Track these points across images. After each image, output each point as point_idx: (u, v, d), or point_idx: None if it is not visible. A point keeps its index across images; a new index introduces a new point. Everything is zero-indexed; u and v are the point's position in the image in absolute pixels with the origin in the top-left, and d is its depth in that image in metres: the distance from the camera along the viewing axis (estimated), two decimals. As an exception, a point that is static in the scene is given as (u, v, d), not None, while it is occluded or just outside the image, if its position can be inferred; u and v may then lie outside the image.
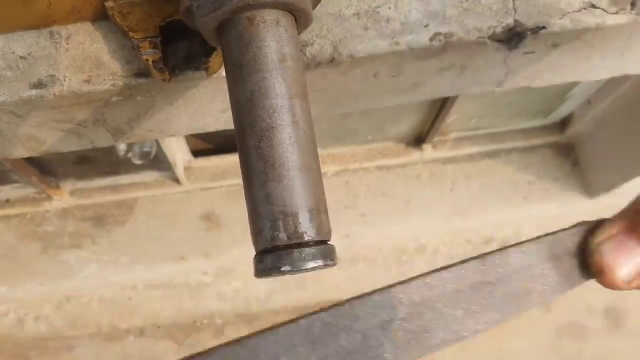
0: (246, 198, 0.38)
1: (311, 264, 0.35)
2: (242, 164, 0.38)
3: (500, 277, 0.33)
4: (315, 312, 0.32)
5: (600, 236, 0.37)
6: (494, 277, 0.33)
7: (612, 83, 1.40)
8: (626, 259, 0.36)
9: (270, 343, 0.30)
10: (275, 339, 0.30)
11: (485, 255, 0.34)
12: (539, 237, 0.35)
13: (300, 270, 0.35)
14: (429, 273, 0.34)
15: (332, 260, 0.37)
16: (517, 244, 0.35)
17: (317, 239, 0.36)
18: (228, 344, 0.30)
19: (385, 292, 0.33)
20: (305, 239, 0.35)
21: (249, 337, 0.30)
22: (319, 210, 0.37)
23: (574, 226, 0.37)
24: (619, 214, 0.38)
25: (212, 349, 0.30)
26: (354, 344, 0.31)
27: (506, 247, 0.35)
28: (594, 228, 0.37)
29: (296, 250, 0.35)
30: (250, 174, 0.37)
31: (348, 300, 0.33)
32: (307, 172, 0.37)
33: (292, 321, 0.31)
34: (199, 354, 0.30)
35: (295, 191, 0.36)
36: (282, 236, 0.35)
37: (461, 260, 0.34)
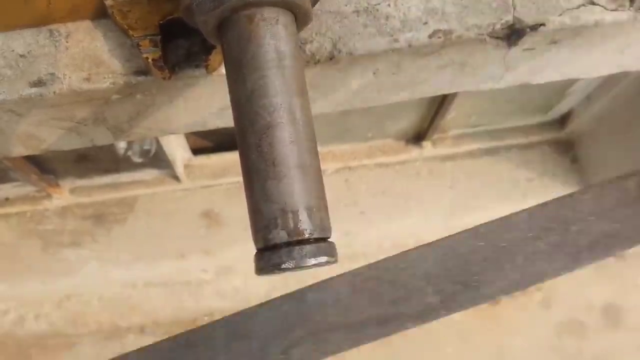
0: (246, 196, 0.38)
1: (311, 261, 0.35)
2: (242, 162, 0.38)
3: (569, 220, 0.29)
4: (359, 268, 0.31)
5: None
6: (561, 221, 0.29)
7: (611, 79, 1.40)
8: None
9: (318, 293, 0.30)
10: (324, 292, 0.30)
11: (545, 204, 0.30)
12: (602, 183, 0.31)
13: (301, 267, 0.36)
14: (475, 227, 0.31)
15: (333, 257, 0.37)
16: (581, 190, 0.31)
17: (317, 236, 0.36)
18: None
19: (425, 247, 0.32)
20: (306, 236, 0.36)
21: (304, 289, 0.30)
22: (319, 208, 0.37)
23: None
24: None
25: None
26: (397, 294, 0.30)
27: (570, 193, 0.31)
28: None
29: (296, 248, 0.35)
30: (250, 172, 0.38)
31: (387, 258, 0.32)
32: (307, 169, 0.37)
33: (339, 276, 0.30)
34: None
35: (295, 189, 0.36)
36: (283, 233, 0.35)
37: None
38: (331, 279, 0.31)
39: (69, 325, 1.67)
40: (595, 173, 1.71)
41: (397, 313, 0.28)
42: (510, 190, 1.77)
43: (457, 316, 1.67)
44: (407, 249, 0.30)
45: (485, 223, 0.30)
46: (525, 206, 1.50)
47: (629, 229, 0.28)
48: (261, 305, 0.30)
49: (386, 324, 0.29)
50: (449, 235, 0.30)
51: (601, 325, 1.92)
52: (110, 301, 1.72)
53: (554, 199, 0.29)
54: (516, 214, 0.29)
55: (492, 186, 1.74)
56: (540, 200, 1.52)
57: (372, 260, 1.55)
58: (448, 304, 0.29)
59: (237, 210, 1.67)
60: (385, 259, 0.30)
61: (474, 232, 0.30)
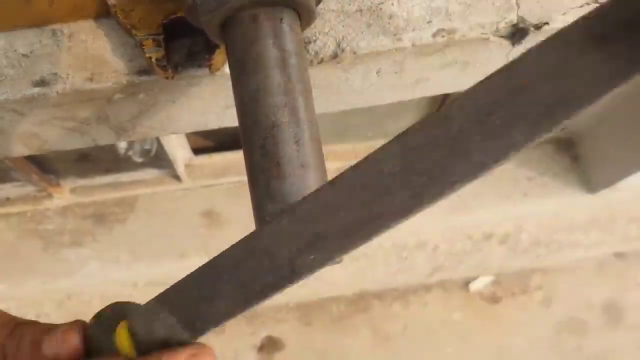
0: (251, 195, 0.38)
1: (316, 261, 0.35)
2: (246, 162, 0.38)
3: (517, 88, 0.26)
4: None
5: None
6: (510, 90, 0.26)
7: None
8: None
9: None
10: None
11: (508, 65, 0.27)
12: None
13: (306, 267, 0.35)
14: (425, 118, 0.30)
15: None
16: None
17: (322, 235, 0.36)
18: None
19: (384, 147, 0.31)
20: (310, 236, 0.36)
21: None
22: (324, 207, 0.37)
23: None
24: None
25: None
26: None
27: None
28: None
29: (301, 248, 0.35)
30: (254, 171, 0.38)
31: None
32: (311, 169, 0.37)
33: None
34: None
35: (300, 188, 0.36)
36: (287, 233, 0.35)
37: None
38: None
39: (70, 325, 1.67)
40: (596, 171, 1.71)
41: (374, 213, 0.29)
42: (510, 189, 1.77)
43: (457, 316, 1.69)
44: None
45: (432, 113, 0.29)
46: (526, 205, 1.51)
47: (582, 84, 0.26)
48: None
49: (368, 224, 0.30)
50: (399, 135, 0.29)
51: (602, 323, 1.92)
52: (111, 300, 1.72)
53: (496, 71, 0.28)
54: (464, 94, 0.28)
55: (492, 185, 1.74)
56: (540, 200, 1.52)
57: (372, 260, 1.56)
58: (417, 195, 0.29)
59: (238, 210, 1.67)
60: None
61: (426, 123, 0.29)
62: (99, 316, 0.38)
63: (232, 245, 0.33)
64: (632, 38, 0.24)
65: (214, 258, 0.34)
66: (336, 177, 0.31)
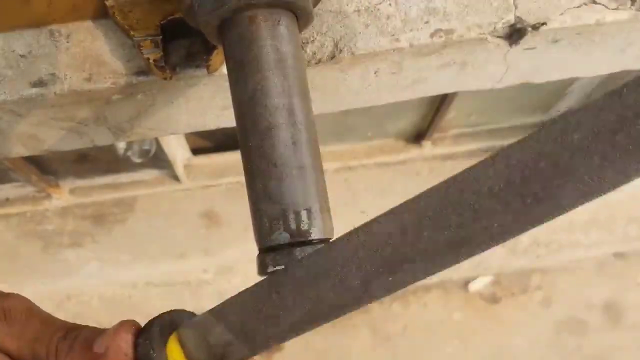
0: (248, 196, 0.38)
1: (314, 262, 0.35)
2: (244, 163, 0.38)
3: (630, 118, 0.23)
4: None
5: None
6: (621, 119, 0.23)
7: (612, 78, 1.40)
8: None
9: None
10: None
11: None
12: None
13: (303, 268, 0.35)
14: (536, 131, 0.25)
15: (335, 257, 0.37)
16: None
17: (319, 237, 0.36)
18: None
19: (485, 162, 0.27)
20: (308, 237, 0.36)
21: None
22: (321, 208, 0.37)
23: None
24: None
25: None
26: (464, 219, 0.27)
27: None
28: None
29: (298, 249, 0.35)
30: (252, 173, 0.37)
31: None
32: (309, 170, 0.37)
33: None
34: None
35: (297, 189, 0.36)
36: (285, 235, 0.35)
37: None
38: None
39: (69, 325, 1.67)
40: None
41: (467, 236, 0.26)
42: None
43: (456, 316, 1.69)
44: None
45: (547, 125, 0.26)
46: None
47: None
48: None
49: (458, 248, 0.27)
50: (507, 146, 0.26)
51: (601, 323, 1.92)
52: (111, 301, 1.72)
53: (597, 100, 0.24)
54: (575, 111, 0.25)
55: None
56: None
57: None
58: (519, 218, 0.26)
59: (238, 210, 1.67)
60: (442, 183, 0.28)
61: (536, 138, 0.25)
62: (150, 324, 0.36)
63: (299, 262, 0.31)
64: None
65: (278, 275, 0.32)
66: (421, 195, 0.28)
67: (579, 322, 1.91)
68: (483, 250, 0.27)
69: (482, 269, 1.92)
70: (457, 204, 0.27)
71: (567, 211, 0.25)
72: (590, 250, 1.90)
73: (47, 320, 0.39)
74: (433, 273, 0.28)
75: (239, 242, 1.67)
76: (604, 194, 0.24)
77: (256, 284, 0.33)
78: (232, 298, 0.33)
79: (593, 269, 1.97)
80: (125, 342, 0.35)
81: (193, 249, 1.70)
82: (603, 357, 1.86)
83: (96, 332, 0.36)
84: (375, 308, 1.92)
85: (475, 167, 0.27)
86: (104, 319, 1.69)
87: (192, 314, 0.37)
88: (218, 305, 0.34)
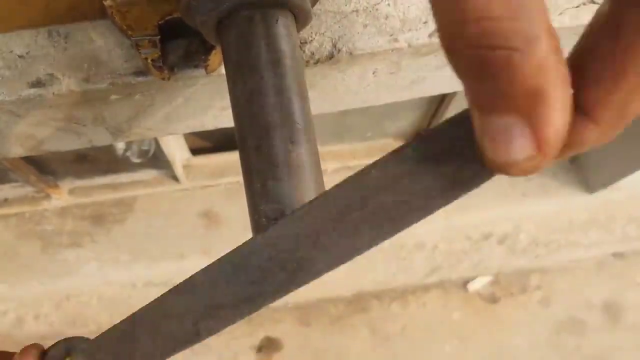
0: (247, 196, 0.38)
1: (312, 262, 0.35)
2: (242, 163, 0.38)
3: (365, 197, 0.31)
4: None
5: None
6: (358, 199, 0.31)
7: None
8: None
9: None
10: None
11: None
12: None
13: (301, 268, 0.35)
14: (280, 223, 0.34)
15: (333, 257, 0.37)
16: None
17: (317, 236, 0.36)
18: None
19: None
20: (306, 237, 0.35)
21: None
22: (320, 208, 0.37)
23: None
24: None
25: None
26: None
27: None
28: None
29: (297, 248, 0.35)
30: (250, 173, 0.37)
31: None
32: (307, 170, 0.37)
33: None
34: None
35: (296, 189, 0.36)
36: (283, 234, 0.35)
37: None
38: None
39: (69, 325, 1.67)
40: (594, 171, 1.71)
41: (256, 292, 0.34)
42: (509, 189, 1.77)
43: (455, 316, 1.69)
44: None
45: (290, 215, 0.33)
46: (525, 205, 1.50)
47: (417, 198, 0.29)
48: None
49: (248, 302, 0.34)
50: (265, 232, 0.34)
51: (601, 323, 1.92)
52: (110, 301, 1.72)
53: (345, 180, 0.31)
54: (317, 200, 0.32)
55: (491, 185, 1.74)
56: (539, 200, 1.52)
57: (371, 260, 1.55)
58: (292, 280, 0.33)
59: (237, 210, 1.67)
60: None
61: (285, 221, 0.33)
62: (46, 351, 0.42)
63: (147, 305, 0.38)
64: (457, 161, 0.28)
65: (133, 314, 0.38)
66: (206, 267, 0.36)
67: (578, 322, 1.91)
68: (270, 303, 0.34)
69: (481, 268, 1.92)
70: (244, 267, 0.35)
71: (316, 277, 0.33)
72: (590, 250, 1.90)
73: None
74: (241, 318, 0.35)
75: (238, 242, 1.66)
76: (342, 263, 0.33)
77: (119, 322, 0.39)
78: (111, 327, 0.40)
79: (592, 269, 1.97)
80: None
81: (192, 249, 1.70)
82: (602, 357, 1.86)
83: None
84: (374, 308, 1.92)
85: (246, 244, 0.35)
86: (103, 319, 1.69)
87: (86, 340, 0.42)
88: (102, 333, 0.40)
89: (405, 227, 0.30)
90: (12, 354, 0.40)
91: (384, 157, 0.30)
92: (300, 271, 0.33)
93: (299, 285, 0.33)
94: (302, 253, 0.33)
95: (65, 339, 0.43)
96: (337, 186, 0.31)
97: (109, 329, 0.40)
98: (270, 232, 0.33)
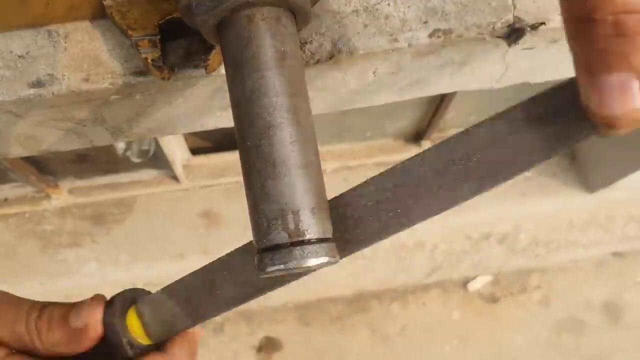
0: (247, 196, 0.38)
1: (313, 261, 0.35)
2: (242, 163, 0.38)
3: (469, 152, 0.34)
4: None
5: None
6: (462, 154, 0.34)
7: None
8: None
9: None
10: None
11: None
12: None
13: (302, 268, 0.35)
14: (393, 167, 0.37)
15: (334, 257, 0.37)
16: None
17: (318, 236, 0.36)
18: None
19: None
20: (307, 237, 0.36)
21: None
22: (320, 208, 0.37)
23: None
24: None
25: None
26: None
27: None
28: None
29: (297, 248, 0.35)
30: (250, 173, 0.37)
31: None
32: (307, 169, 0.37)
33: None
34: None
35: (296, 189, 0.36)
36: (283, 234, 0.35)
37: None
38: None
39: (68, 325, 1.67)
40: (594, 171, 1.71)
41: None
42: (508, 189, 1.77)
43: (455, 315, 1.69)
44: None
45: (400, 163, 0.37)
46: (524, 205, 1.50)
47: (521, 153, 0.33)
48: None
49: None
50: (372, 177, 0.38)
51: (600, 323, 1.92)
52: (110, 301, 1.71)
53: (446, 139, 0.35)
54: (418, 155, 0.36)
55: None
56: (539, 200, 1.52)
57: (371, 260, 1.55)
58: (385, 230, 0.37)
59: (237, 210, 1.67)
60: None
61: (389, 172, 0.37)
62: (113, 299, 0.43)
63: (228, 254, 0.42)
64: (560, 121, 0.32)
65: (213, 262, 0.42)
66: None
67: (577, 322, 1.91)
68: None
69: (481, 268, 1.92)
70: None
71: (414, 224, 0.36)
72: (589, 249, 1.90)
73: (18, 302, 0.42)
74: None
75: (238, 242, 1.66)
76: (438, 214, 0.36)
77: (196, 270, 0.42)
78: (180, 278, 0.42)
79: (592, 269, 1.97)
80: (98, 316, 0.41)
81: (192, 249, 1.69)
82: (602, 357, 1.86)
83: (68, 307, 0.41)
84: (374, 308, 1.92)
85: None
86: (103, 319, 1.68)
87: (148, 292, 0.44)
88: (169, 285, 0.42)
89: (504, 180, 0.33)
90: (73, 304, 0.42)
91: (489, 118, 0.34)
92: (397, 218, 0.36)
93: (389, 234, 0.36)
94: (403, 200, 0.36)
95: (130, 289, 0.44)
96: (440, 144, 0.34)
97: (178, 280, 0.42)
98: (376, 179, 0.38)
